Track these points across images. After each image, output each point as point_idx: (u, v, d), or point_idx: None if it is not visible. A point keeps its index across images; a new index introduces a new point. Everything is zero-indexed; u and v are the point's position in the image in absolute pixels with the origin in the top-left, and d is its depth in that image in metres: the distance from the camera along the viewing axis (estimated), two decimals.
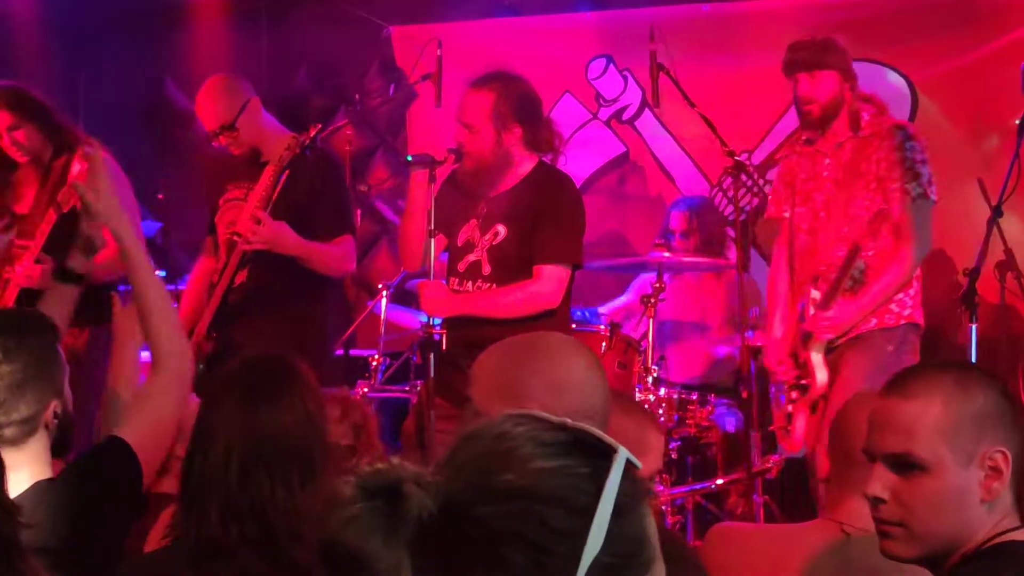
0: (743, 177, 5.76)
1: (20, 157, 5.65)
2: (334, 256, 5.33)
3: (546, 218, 4.87)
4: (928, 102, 6.82)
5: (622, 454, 1.33)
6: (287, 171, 5.14)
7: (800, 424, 5.14)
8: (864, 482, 2.38)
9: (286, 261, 5.19)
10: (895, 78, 6.86)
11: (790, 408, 5.21)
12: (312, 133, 5.18)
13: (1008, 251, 5.69)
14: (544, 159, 5.08)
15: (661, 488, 5.47)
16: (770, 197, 5.41)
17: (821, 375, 5.05)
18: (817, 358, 5.07)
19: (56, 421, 2.93)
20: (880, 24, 6.83)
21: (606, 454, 1.33)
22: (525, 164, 5.01)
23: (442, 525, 1.27)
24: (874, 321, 5.05)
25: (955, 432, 2.21)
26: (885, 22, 6.83)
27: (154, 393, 3.18)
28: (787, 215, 5.28)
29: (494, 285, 4.94)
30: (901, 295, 5.06)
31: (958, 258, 6.52)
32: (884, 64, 6.88)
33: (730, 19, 7.20)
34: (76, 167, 5.59)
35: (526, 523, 1.27)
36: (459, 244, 5.04)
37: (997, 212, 4.76)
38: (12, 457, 2.80)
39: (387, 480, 1.29)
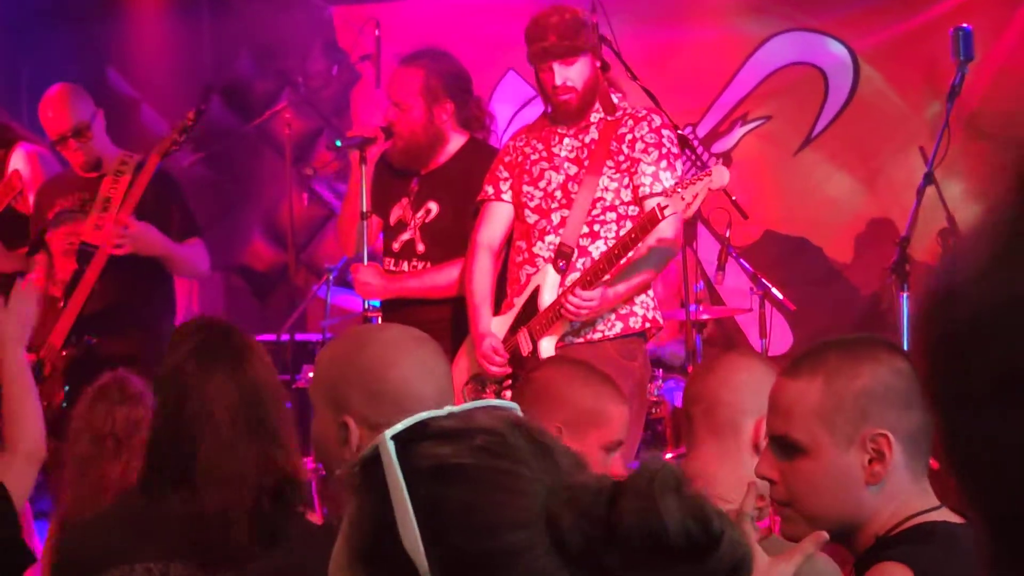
0: (687, 152, 5.71)
1: None
2: (192, 258, 5.39)
3: (479, 194, 4.83)
4: (871, 70, 6.80)
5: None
6: (143, 175, 5.20)
7: None
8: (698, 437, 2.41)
9: (137, 266, 5.19)
10: (837, 47, 6.85)
11: None
12: (192, 116, 5.29)
13: (950, 218, 5.69)
14: (476, 135, 5.05)
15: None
16: (486, 177, 4.78)
17: None
18: (551, 348, 4.50)
19: None
20: None
21: None
22: (456, 140, 4.97)
23: None
24: (620, 325, 4.55)
25: (833, 413, 2.15)
26: None
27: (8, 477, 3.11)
28: (505, 198, 4.72)
29: (429, 263, 4.90)
30: (643, 296, 4.59)
31: (903, 228, 6.52)
32: (825, 33, 6.87)
33: None
34: (12, 164, 5.57)
35: None
36: (392, 223, 5.00)
37: (928, 179, 4.75)
38: None
39: None
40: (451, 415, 1.23)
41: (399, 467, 1.17)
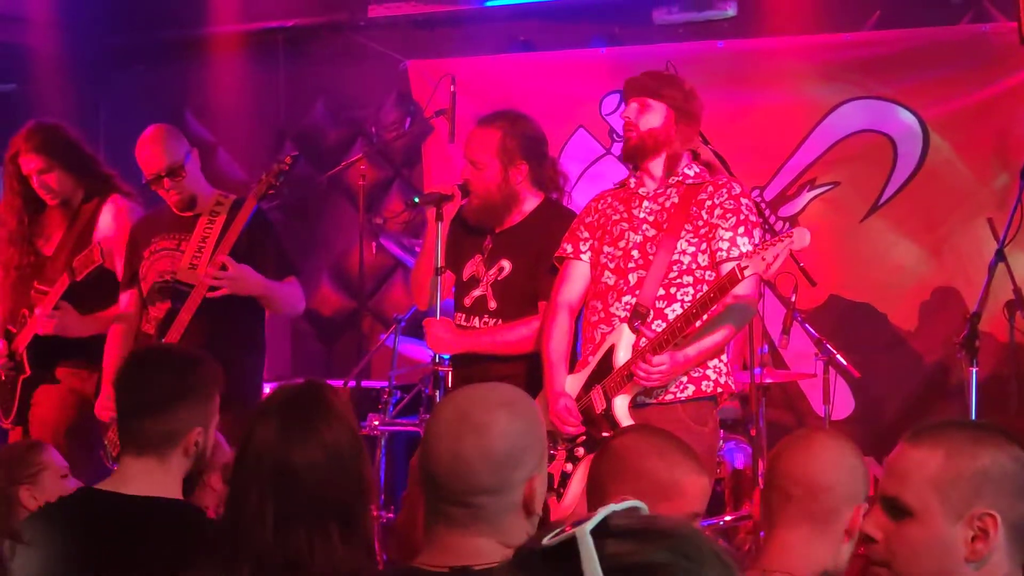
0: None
1: (50, 200, 5.69)
2: (290, 295, 5.46)
3: (551, 254, 4.90)
4: (939, 140, 6.83)
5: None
6: (240, 217, 5.27)
7: (578, 486, 4.49)
8: (793, 518, 2.45)
9: (230, 307, 5.25)
10: (906, 116, 6.87)
11: (568, 467, 4.64)
12: (289, 161, 5.37)
13: (1017, 290, 5.68)
14: (551, 196, 5.13)
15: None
16: (565, 236, 4.88)
17: (629, 426, 4.44)
18: (624, 407, 4.56)
19: (195, 449, 3.19)
20: (891, 62, 6.85)
21: None
22: (531, 201, 5.06)
23: None
24: (691, 388, 4.60)
25: (949, 486, 2.22)
26: (896, 60, 6.84)
27: None
28: (584, 258, 4.80)
29: (500, 320, 4.97)
30: (715, 361, 4.64)
31: (968, 297, 6.55)
32: (895, 102, 6.89)
33: (744, 56, 7.23)
34: (104, 217, 5.67)
35: None
36: (464, 279, 5.08)
37: (999, 256, 4.77)
38: (153, 466, 3.15)
39: None
40: (628, 513, 1.30)
41: (599, 563, 1.24)
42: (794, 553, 2.71)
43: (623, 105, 4.80)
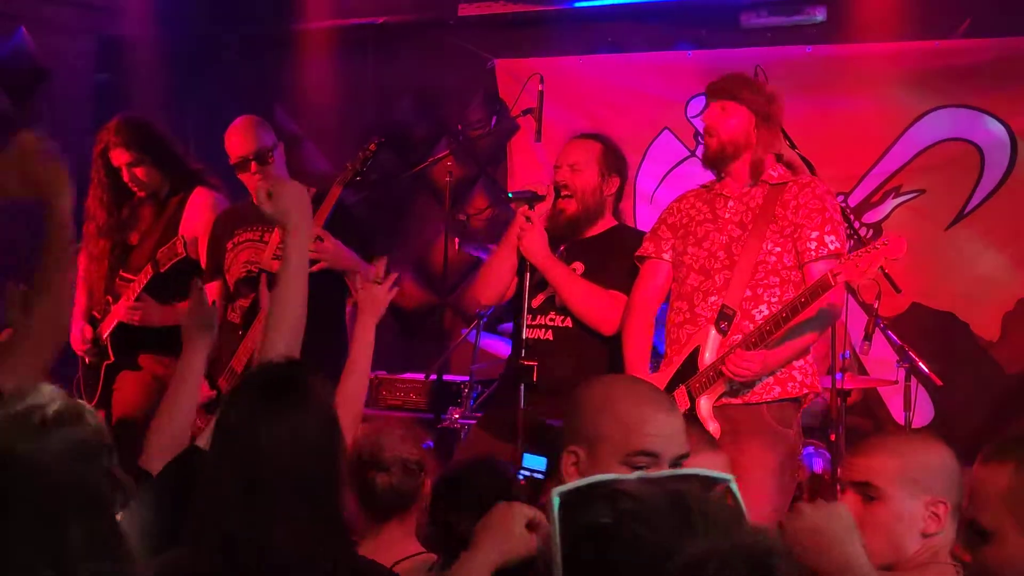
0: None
1: (138, 192, 5.82)
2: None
3: (625, 257, 4.97)
4: None
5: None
6: (326, 204, 5.34)
7: None
8: None
9: (316, 296, 5.26)
10: (994, 125, 6.84)
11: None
12: (373, 148, 5.44)
13: None
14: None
15: None
16: (647, 236, 4.98)
17: (714, 427, 4.53)
18: (708, 408, 4.58)
19: None
20: (980, 71, 6.82)
21: None
22: (608, 221, 5.16)
23: None
24: (777, 389, 4.61)
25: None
26: (985, 69, 6.81)
27: None
28: (666, 257, 4.87)
29: (567, 315, 5.02)
30: (801, 362, 4.66)
31: None
32: (983, 111, 6.86)
33: (831, 62, 7.22)
34: (189, 209, 5.76)
35: None
36: (533, 283, 5.06)
37: None
38: None
39: None
40: (622, 480, 1.39)
41: (558, 520, 1.39)
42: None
43: (708, 106, 4.83)
